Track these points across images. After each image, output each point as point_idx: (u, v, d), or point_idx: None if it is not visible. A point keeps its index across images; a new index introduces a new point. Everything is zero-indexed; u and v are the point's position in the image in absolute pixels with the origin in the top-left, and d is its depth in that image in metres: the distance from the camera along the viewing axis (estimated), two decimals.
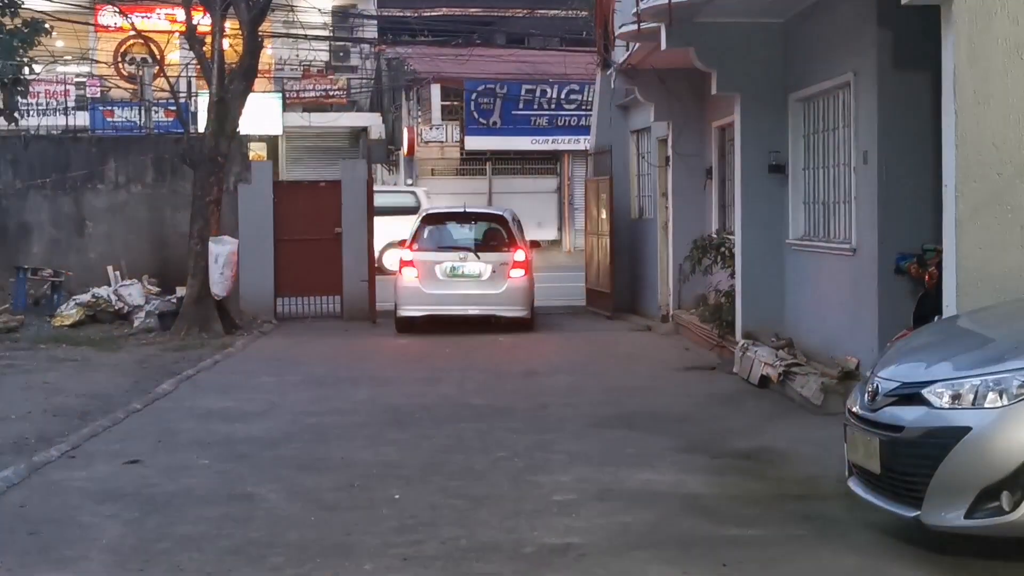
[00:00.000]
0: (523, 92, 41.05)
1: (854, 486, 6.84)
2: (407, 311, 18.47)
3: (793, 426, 10.48)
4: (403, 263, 18.67)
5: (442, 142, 41.68)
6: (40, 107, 33.86)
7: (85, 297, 18.79)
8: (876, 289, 11.09)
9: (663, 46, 13.73)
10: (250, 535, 7.05)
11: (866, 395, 6.69)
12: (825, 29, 12.48)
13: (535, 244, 20.12)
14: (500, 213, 19.86)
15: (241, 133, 20.36)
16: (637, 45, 16.39)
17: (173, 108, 33.29)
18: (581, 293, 22.38)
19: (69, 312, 18.56)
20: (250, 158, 21.00)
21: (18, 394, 12.55)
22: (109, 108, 36.76)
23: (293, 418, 11.16)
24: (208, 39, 18.75)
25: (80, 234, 20.19)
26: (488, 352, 16.36)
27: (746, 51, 13.80)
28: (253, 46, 18.64)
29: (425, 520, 7.38)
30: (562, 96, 41.18)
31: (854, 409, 6.80)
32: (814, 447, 9.46)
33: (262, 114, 42.82)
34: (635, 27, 14.04)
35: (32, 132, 22.30)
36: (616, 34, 18.03)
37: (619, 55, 18.61)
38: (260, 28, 19.08)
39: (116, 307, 18.70)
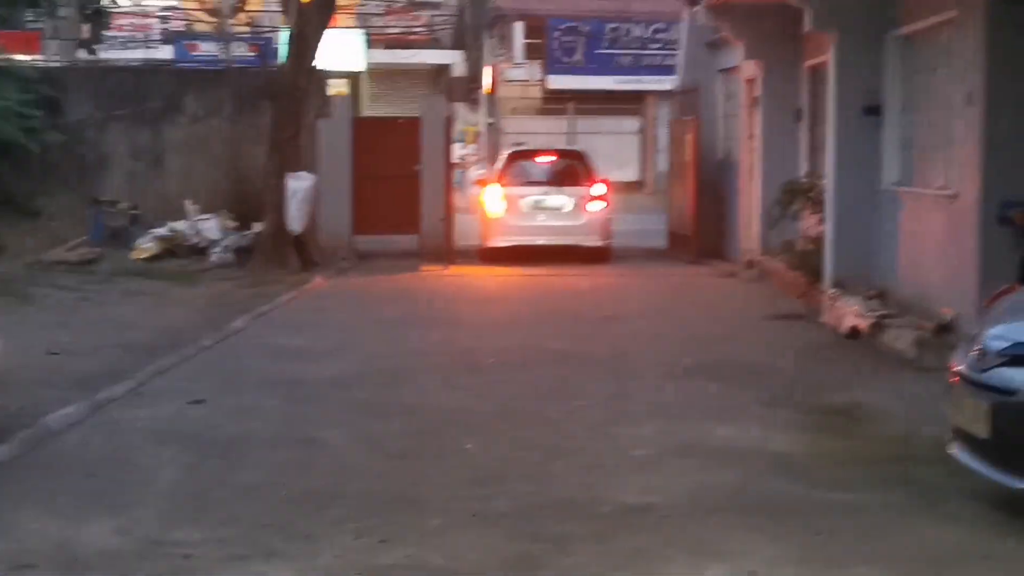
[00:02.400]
0: (607, 31, 40.36)
1: (957, 452, 6.37)
2: (493, 241, 19.45)
3: (885, 380, 9.96)
4: (489, 197, 19.66)
5: (525, 81, 41.04)
6: (124, 40, 33.92)
7: (163, 231, 18.65)
8: (977, 238, 10.49)
9: None
10: (312, 484, 6.75)
11: (974, 354, 6.19)
12: None
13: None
14: (578, 149, 21.24)
15: (320, 68, 20.06)
16: None
17: (256, 43, 33.34)
18: (662, 236, 21.84)
19: (147, 245, 18.43)
20: (330, 93, 20.58)
21: (89, 328, 12.37)
22: (193, 42, 36.64)
23: (364, 359, 10.86)
24: None
25: (158, 167, 19.99)
26: (566, 295, 15.96)
27: None
28: None
29: (496, 472, 7.03)
30: (647, 35, 40.37)
31: (960, 369, 6.30)
32: (908, 404, 8.95)
33: (344, 51, 42.73)
34: None
35: (113, 64, 22.06)
36: None
37: None
38: None
39: (193, 241, 18.53)
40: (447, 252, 19.62)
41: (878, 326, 11.45)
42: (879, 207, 13.20)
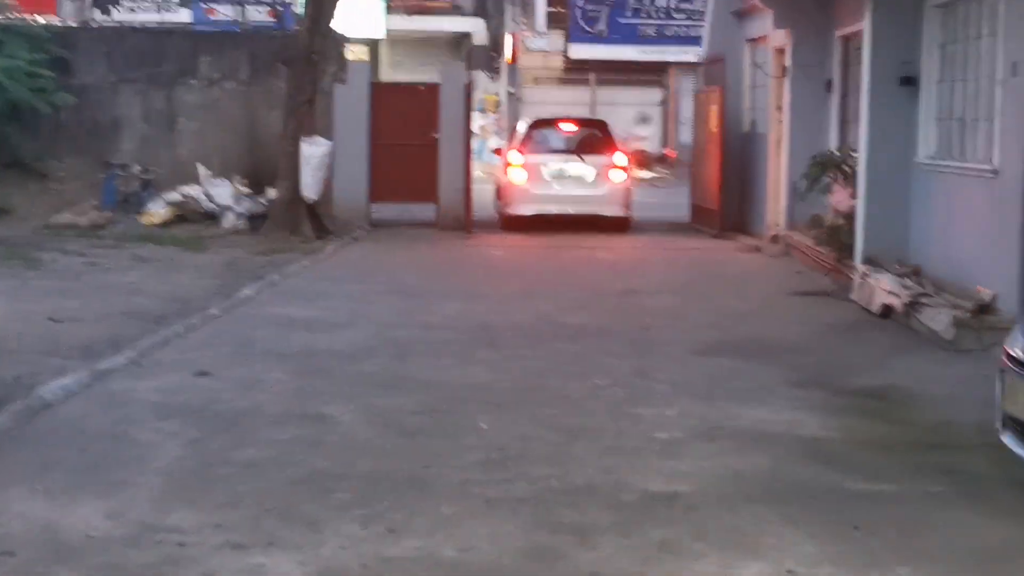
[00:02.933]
0: (631, 0, 39.66)
1: (1009, 440, 5.95)
2: (515, 210, 19.43)
3: (921, 362, 9.53)
4: (512, 165, 19.61)
5: (546, 51, 40.39)
6: (141, 2, 33.50)
7: (174, 196, 18.26)
8: (1021, 216, 10.01)
9: None
10: (318, 464, 6.35)
11: None
12: None
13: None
14: (601, 119, 21.35)
15: (338, 32, 19.63)
16: None
17: (274, 6, 32.89)
18: (685, 209, 21.37)
19: (158, 210, 18.06)
20: (347, 58, 20.11)
21: (96, 294, 11.98)
22: (211, 6, 36.20)
23: (377, 331, 10.47)
24: None
25: (171, 131, 19.56)
26: (586, 268, 15.55)
27: None
28: None
29: (513, 454, 6.63)
30: (672, 4, 39.68)
31: (1014, 353, 5.87)
32: (948, 388, 8.54)
33: (364, 16, 42.23)
34: None
35: (127, 25, 21.61)
36: None
37: None
38: None
39: (205, 207, 18.14)
40: (465, 222, 19.22)
41: (913, 305, 10.99)
42: (914, 182, 12.73)
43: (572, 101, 39.29)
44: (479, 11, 43.70)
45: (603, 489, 6.02)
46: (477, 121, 37.92)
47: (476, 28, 43.57)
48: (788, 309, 12.33)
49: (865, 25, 13.20)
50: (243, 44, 19.61)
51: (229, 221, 17.85)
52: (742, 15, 19.75)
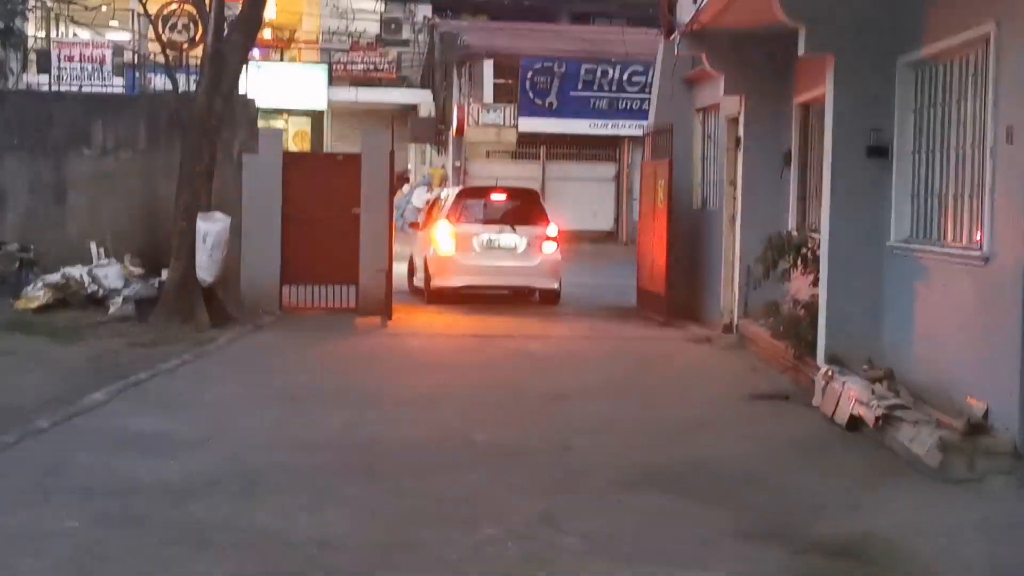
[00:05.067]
0: (583, 72, 38.14)
1: None
2: (443, 281, 18.92)
3: (903, 496, 7.64)
4: (440, 236, 19.04)
5: (500, 126, 38.69)
6: (72, 71, 31.67)
7: (55, 277, 16.22)
8: (1019, 311, 8.17)
9: None
10: None
11: None
12: None
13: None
14: (532, 189, 20.97)
15: (247, 96, 17.83)
16: None
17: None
18: (633, 292, 19.52)
19: (35, 294, 16.01)
20: (258, 124, 18.21)
21: None
22: (150, 75, 34.43)
23: (234, 453, 8.46)
24: None
25: (60, 205, 17.57)
26: (513, 363, 13.61)
27: (844, 0, 10.96)
28: None
29: None
30: (624, 77, 38.21)
31: None
32: (938, 538, 6.65)
33: (306, 87, 40.61)
34: None
35: (8, 89, 19.58)
36: None
37: (686, 14, 15.69)
38: None
39: (90, 290, 16.12)
40: (386, 306, 17.28)
41: (887, 419, 9.11)
42: (885, 269, 10.91)
43: (521, 176, 37.57)
44: (427, 83, 42.15)
45: None
46: (423, 195, 36.21)
47: (423, 100, 42.00)
48: (740, 419, 10.42)
49: (827, 88, 11.45)
50: (142, 108, 17.64)
51: (116, 306, 15.83)
52: (691, 82, 18.07)
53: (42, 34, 33.94)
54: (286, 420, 9.78)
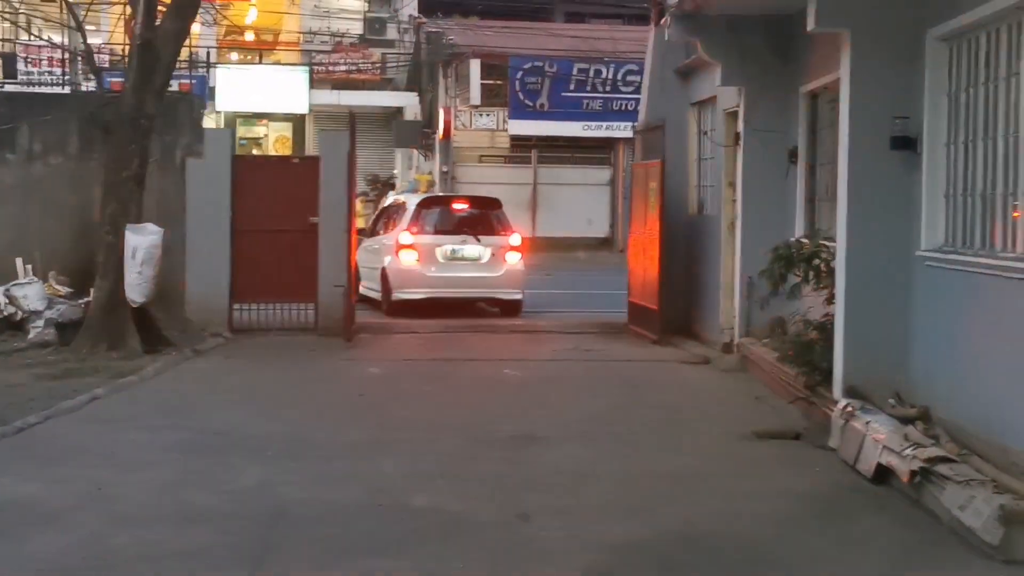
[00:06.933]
0: (575, 71, 36.33)
1: None
2: (405, 293, 18.11)
3: None
4: (401, 246, 18.24)
5: (493, 129, 36.90)
6: (41, 74, 29.93)
7: None
8: None
9: None
10: None
11: None
12: None
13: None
14: (494, 197, 19.97)
15: (192, 94, 16.06)
16: None
17: (187, 80, 29.13)
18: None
19: None
20: (203, 124, 16.39)
21: None
22: (119, 79, 32.71)
23: (96, 532, 6.65)
24: None
25: None
26: (481, 393, 11.80)
27: None
28: None
29: None
30: (618, 77, 36.44)
31: None
32: None
33: (286, 90, 38.80)
34: None
35: None
36: None
37: None
38: None
39: (7, 312, 14.31)
40: (347, 326, 15.48)
41: (926, 474, 7.31)
42: (916, 284, 9.12)
43: (511, 180, 35.84)
44: (412, 84, 40.33)
45: None
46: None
47: (409, 103, 40.19)
48: (743, 468, 8.60)
49: (842, 71, 9.67)
50: (73, 109, 15.79)
51: (37, 331, 14.02)
52: (685, 73, 16.25)
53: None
54: (185, 478, 7.96)
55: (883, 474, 7.97)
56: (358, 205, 19.94)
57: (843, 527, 7.04)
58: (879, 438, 8.12)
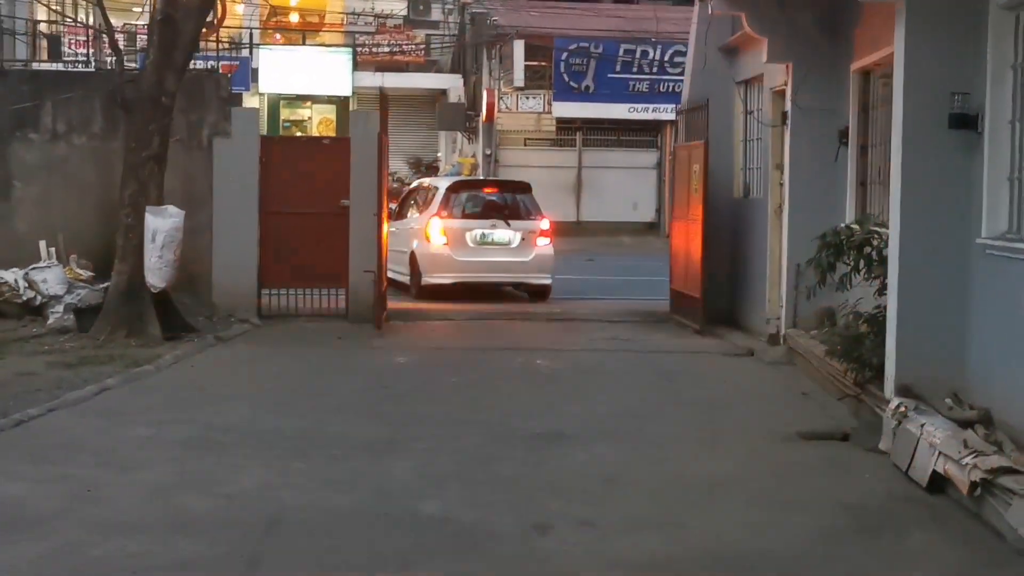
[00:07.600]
0: (621, 52, 35.58)
1: None
2: (434, 278, 18.00)
3: None
4: (431, 230, 18.13)
5: (539, 113, 36.20)
6: (83, 56, 29.62)
7: None
8: None
9: None
10: None
11: None
12: None
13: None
14: (524, 181, 19.72)
15: (217, 72, 15.57)
16: None
17: (228, 61, 28.62)
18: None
19: None
20: (230, 102, 15.80)
21: None
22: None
23: (75, 540, 6.11)
24: None
25: (6, 199, 15.33)
26: (510, 385, 11.19)
27: None
28: None
29: None
30: (665, 58, 35.60)
31: None
32: None
33: (329, 72, 38.29)
34: None
35: None
36: None
37: None
38: None
39: (26, 297, 13.87)
40: (377, 313, 14.93)
41: (988, 485, 6.62)
42: (975, 274, 8.40)
43: (555, 163, 35.20)
44: (457, 67, 39.75)
45: None
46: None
47: (453, 85, 39.59)
48: (786, 473, 7.94)
49: (896, 44, 8.94)
50: (98, 87, 15.28)
51: (56, 316, 13.57)
52: (731, 50, 15.52)
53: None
54: (182, 480, 7.41)
55: (939, 482, 7.30)
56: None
57: (893, 543, 6.39)
58: (935, 441, 7.44)
